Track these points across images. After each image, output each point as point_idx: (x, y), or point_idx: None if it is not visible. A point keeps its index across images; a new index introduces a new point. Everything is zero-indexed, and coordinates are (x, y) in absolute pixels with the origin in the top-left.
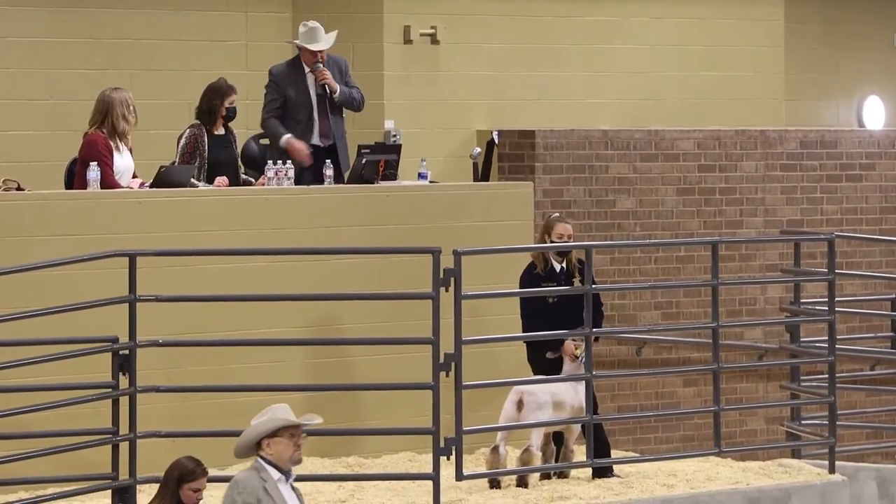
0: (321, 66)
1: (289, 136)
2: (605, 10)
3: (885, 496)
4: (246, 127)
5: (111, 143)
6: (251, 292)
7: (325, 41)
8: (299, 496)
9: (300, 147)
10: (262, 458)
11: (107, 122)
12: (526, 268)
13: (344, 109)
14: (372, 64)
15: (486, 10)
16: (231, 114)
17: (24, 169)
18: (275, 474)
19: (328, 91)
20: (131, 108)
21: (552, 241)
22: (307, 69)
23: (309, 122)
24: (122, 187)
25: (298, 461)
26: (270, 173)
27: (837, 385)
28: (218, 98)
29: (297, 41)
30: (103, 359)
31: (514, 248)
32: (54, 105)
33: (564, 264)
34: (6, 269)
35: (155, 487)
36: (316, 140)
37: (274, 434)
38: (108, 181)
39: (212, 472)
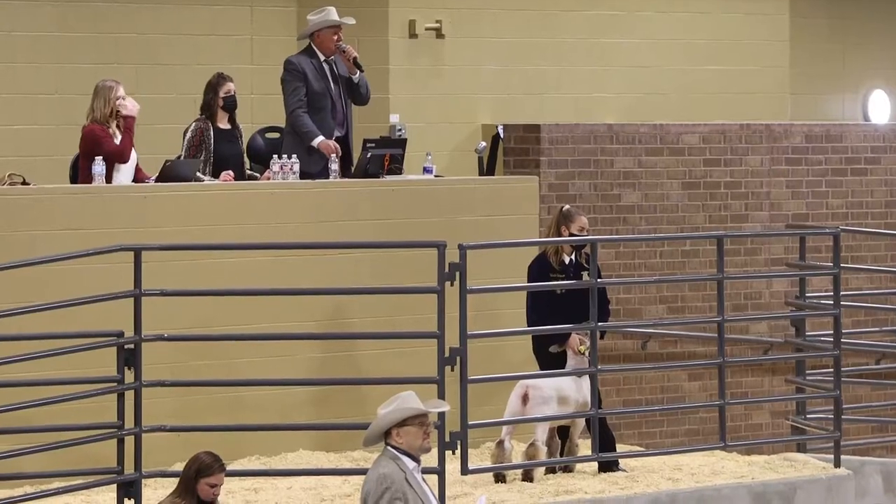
0: (346, 45)
1: (322, 137)
2: (610, 4)
3: (890, 490)
4: (251, 121)
5: (110, 132)
6: (256, 287)
7: (347, 18)
8: (426, 483)
9: (332, 147)
10: (393, 447)
11: (104, 110)
12: (535, 258)
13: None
14: (377, 58)
15: (491, 4)
16: (229, 103)
17: (29, 163)
18: (410, 463)
19: (359, 66)
20: (111, 98)
21: (572, 234)
22: (322, 58)
23: (332, 111)
24: (130, 148)
25: (428, 449)
26: (276, 167)
27: (843, 379)
28: (211, 92)
29: (319, 22)
30: (109, 353)
31: (520, 242)
32: (60, 99)
33: (574, 256)
34: (11, 264)
35: (160, 481)
36: (337, 130)
37: (403, 423)
38: (120, 155)
39: None
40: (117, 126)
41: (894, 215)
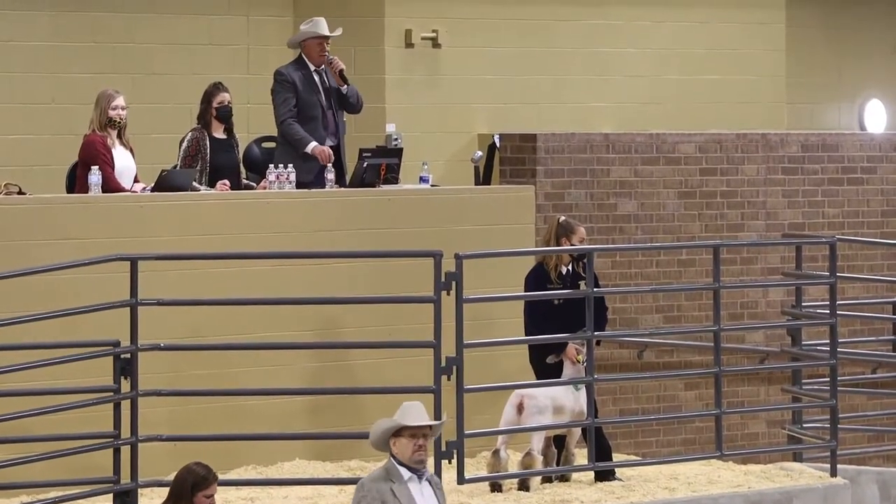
0: (333, 57)
1: (315, 143)
2: (606, 13)
3: (886, 499)
4: (248, 130)
5: (109, 143)
6: (253, 296)
7: (336, 29)
8: (436, 490)
9: (326, 154)
10: (391, 456)
11: (100, 118)
12: (532, 269)
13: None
14: (373, 68)
15: (487, 13)
16: (223, 113)
17: (25, 173)
18: (406, 474)
19: (345, 79)
20: (115, 104)
21: (571, 245)
22: (313, 68)
23: (323, 120)
24: (124, 188)
25: (420, 461)
26: (272, 177)
27: (839, 388)
28: (205, 102)
29: (305, 33)
30: (105, 362)
31: (516, 251)
32: (56, 109)
33: (572, 266)
34: (8, 273)
35: (156, 491)
36: (329, 140)
37: (398, 433)
38: (109, 182)
39: None
40: (118, 135)
41: (890, 224)
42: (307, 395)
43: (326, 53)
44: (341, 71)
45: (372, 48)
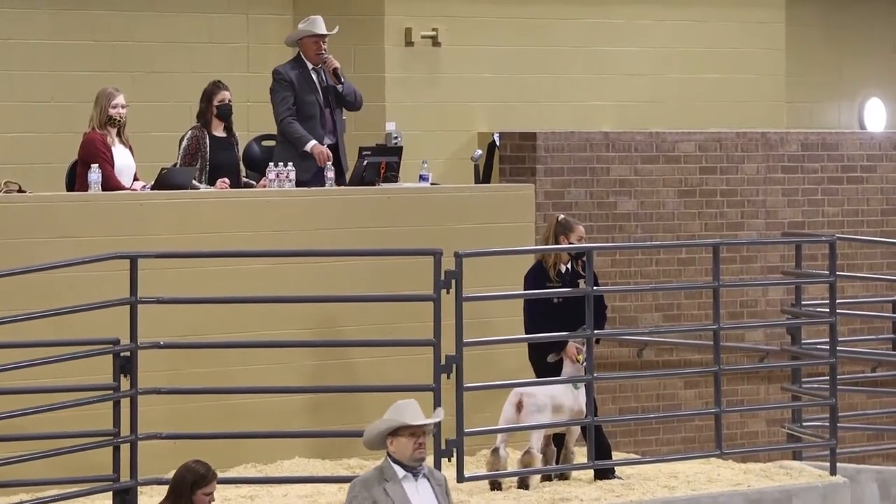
0: (327, 55)
1: (315, 142)
2: (606, 12)
3: (886, 498)
4: (248, 129)
5: (108, 141)
6: (252, 294)
7: (332, 28)
8: (436, 487)
9: (324, 155)
10: (389, 455)
11: (100, 117)
12: (532, 268)
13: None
14: (373, 66)
15: (487, 12)
16: (223, 111)
17: (25, 171)
18: (400, 472)
19: (339, 77)
20: (115, 103)
21: (570, 244)
22: (310, 66)
23: (321, 119)
24: (124, 186)
25: (419, 459)
26: (272, 175)
27: (838, 387)
28: (205, 100)
29: (302, 30)
30: (105, 360)
31: (516, 249)
32: (56, 107)
33: (571, 265)
34: (8, 271)
35: (156, 489)
36: (327, 138)
37: (395, 432)
38: (109, 180)
39: None
40: (118, 133)
41: (890, 223)
42: (307, 393)
43: (323, 52)
44: (335, 69)
45: (372, 46)
